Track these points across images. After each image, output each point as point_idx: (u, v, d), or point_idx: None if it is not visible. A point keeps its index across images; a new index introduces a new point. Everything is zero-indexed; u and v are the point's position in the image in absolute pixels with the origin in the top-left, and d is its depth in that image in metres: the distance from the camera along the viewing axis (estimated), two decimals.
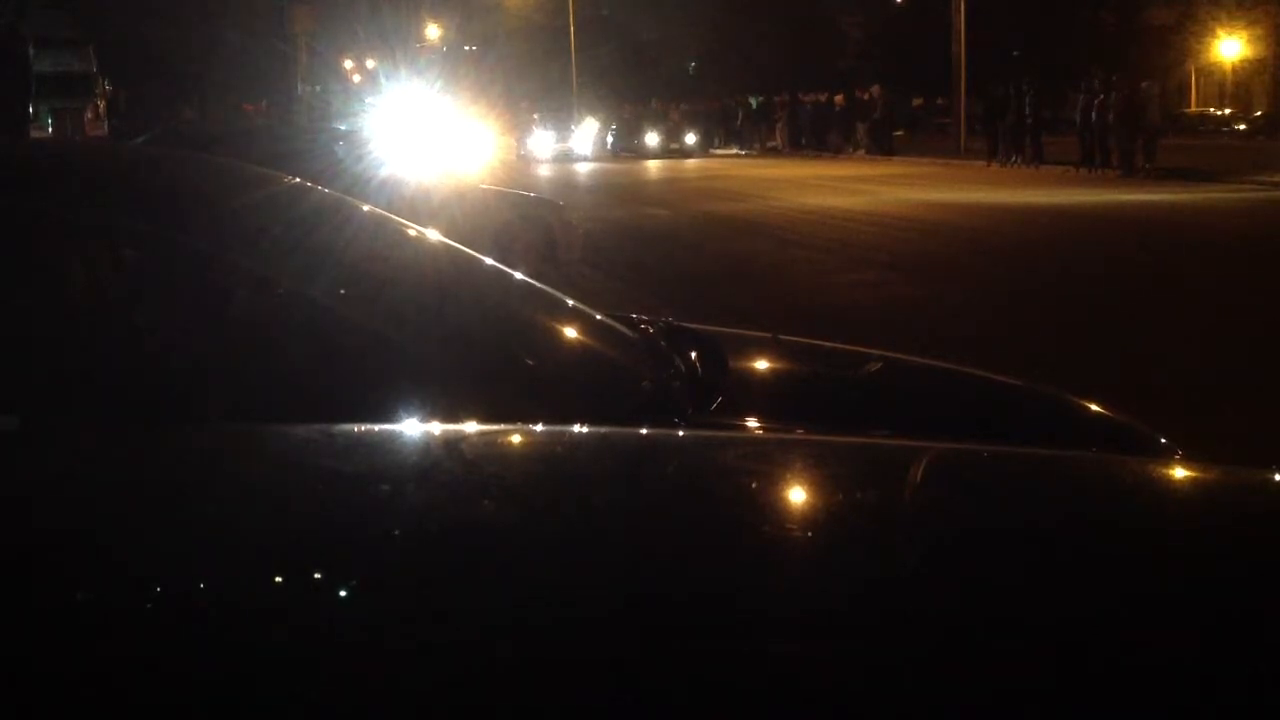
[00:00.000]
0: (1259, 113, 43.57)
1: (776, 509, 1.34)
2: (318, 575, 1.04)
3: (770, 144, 42.64)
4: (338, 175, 7.87)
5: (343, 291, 2.41)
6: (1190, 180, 23.08)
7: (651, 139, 42.24)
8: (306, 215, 2.74)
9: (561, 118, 42.85)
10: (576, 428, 1.78)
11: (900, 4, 50.60)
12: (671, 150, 41.51)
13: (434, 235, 3.16)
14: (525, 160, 37.19)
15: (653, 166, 35.85)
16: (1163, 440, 2.87)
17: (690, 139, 42.93)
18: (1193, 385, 7.09)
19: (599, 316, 2.99)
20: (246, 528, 1.13)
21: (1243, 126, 42.51)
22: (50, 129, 24.93)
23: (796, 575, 1.07)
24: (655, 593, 1.00)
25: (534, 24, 56.08)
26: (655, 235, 16.72)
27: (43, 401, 2.21)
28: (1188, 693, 0.86)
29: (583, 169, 34.94)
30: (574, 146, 40.21)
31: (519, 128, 41.92)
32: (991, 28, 37.84)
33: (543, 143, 40.36)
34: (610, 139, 43.10)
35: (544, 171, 32.89)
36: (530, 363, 2.61)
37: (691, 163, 37.46)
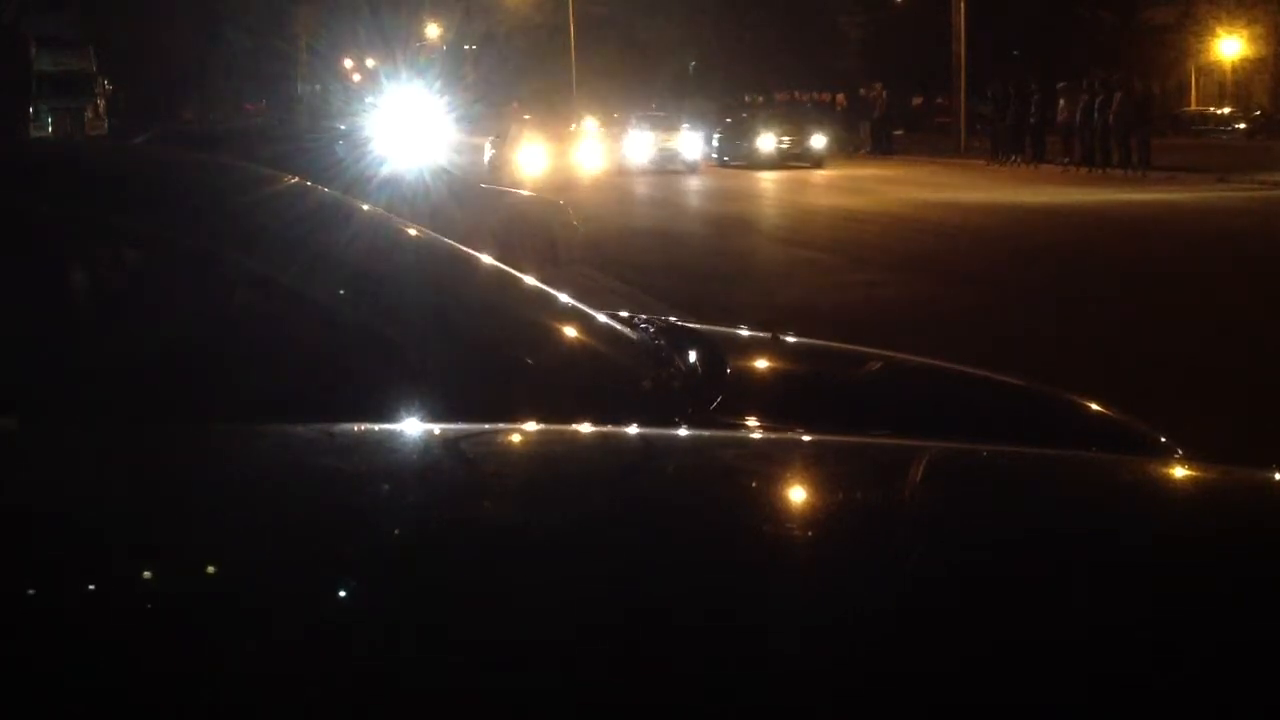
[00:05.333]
0: (1258, 112, 43.57)
1: (776, 509, 1.34)
2: (318, 575, 1.04)
3: None
4: (339, 175, 7.87)
5: (342, 291, 2.41)
6: (1191, 180, 23.08)
7: (766, 143, 32.17)
8: (306, 215, 2.74)
9: (660, 118, 34.25)
10: (576, 428, 1.78)
11: (900, 4, 50.59)
12: (792, 157, 31.59)
13: (434, 235, 3.16)
14: (622, 170, 29.78)
15: (767, 180, 27.86)
16: (1163, 440, 2.87)
17: (819, 142, 32.47)
18: (1195, 384, 7.10)
19: (599, 316, 2.99)
20: (246, 528, 1.13)
21: (1242, 126, 42.50)
22: (50, 129, 24.95)
23: (796, 575, 1.07)
24: (655, 592, 1.00)
25: (533, 23, 56.08)
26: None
27: (43, 401, 2.21)
28: (1188, 693, 0.86)
29: (694, 184, 27.75)
30: (681, 151, 31.56)
31: (613, 132, 33.56)
32: (991, 28, 37.86)
33: (642, 147, 31.88)
34: (714, 145, 33.98)
35: (644, 189, 25.80)
36: (530, 362, 2.61)
37: (798, 175, 29.22)
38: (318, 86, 42.40)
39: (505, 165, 26.98)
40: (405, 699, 0.83)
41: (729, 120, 35.71)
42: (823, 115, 37.52)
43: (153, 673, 0.86)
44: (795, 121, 33.85)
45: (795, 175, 28.79)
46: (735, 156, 32.38)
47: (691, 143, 32.18)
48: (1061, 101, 28.29)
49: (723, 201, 23.04)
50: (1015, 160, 28.82)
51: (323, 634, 0.92)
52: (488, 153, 29.41)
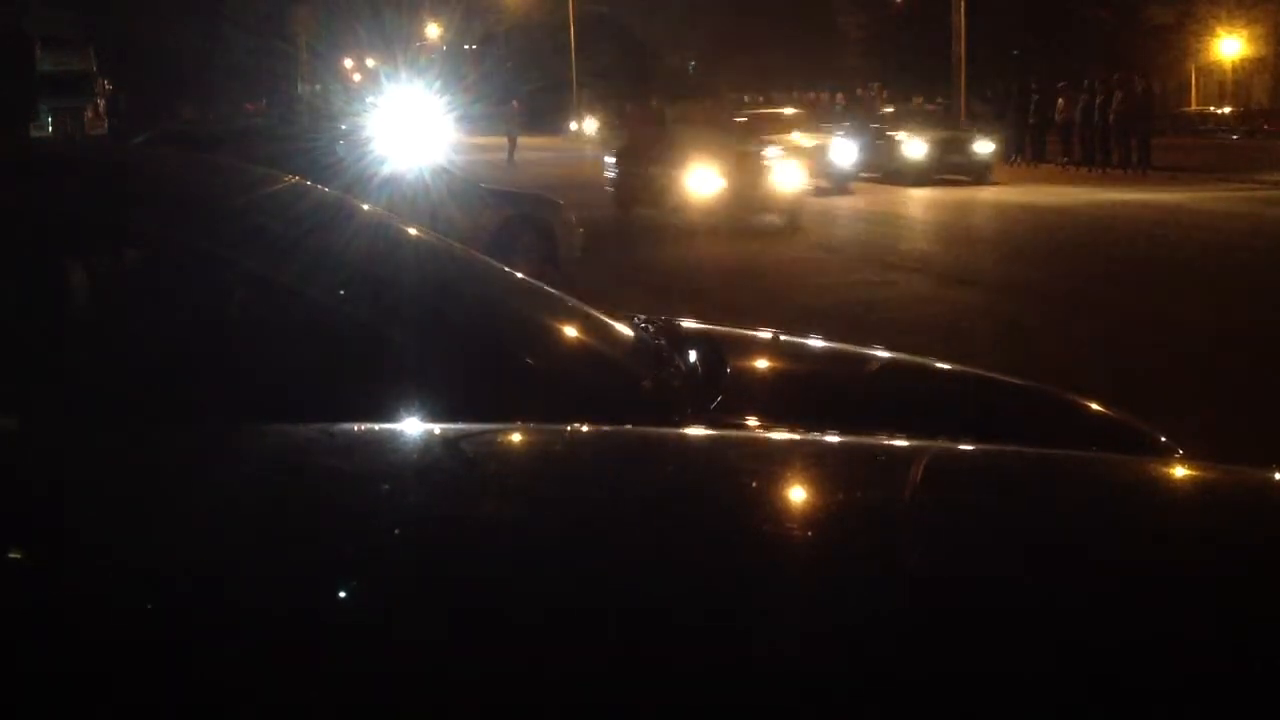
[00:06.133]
0: (1244, 106, 43.58)
1: (776, 509, 1.34)
2: (318, 575, 1.04)
3: None
4: (339, 175, 7.88)
5: (342, 291, 2.41)
6: (1191, 179, 23.09)
7: (915, 150, 24.53)
8: (306, 215, 2.74)
9: (777, 118, 25.39)
10: (576, 427, 1.78)
11: (900, 4, 50.60)
12: (950, 168, 24.30)
13: (434, 235, 3.16)
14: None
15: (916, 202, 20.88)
16: (1163, 440, 2.87)
17: (984, 149, 24.99)
18: (1195, 384, 7.10)
19: (599, 316, 2.99)
20: (247, 528, 1.13)
21: (1243, 126, 42.53)
22: (50, 129, 24.97)
23: (796, 575, 1.07)
24: (654, 592, 1.00)
25: (533, 23, 56.09)
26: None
27: (43, 401, 2.21)
28: (1188, 693, 0.86)
29: (844, 206, 20.02)
30: (834, 159, 23.24)
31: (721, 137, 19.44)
32: (992, 28, 37.89)
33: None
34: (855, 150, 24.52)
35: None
36: (530, 362, 2.61)
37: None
38: (318, 86, 42.36)
39: (661, 192, 17.12)
40: (405, 698, 0.83)
41: (847, 123, 27.37)
42: (984, 114, 29.67)
43: (152, 672, 0.86)
44: (946, 124, 26.99)
45: (976, 195, 21.74)
46: (869, 168, 24.63)
47: (844, 151, 23.77)
48: (1060, 101, 28.25)
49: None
50: (1015, 160, 28.83)
51: (323, 634, 0.92)
52: (610, 170, 19.42)
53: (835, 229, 17.27)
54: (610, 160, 19.78)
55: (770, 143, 19.47)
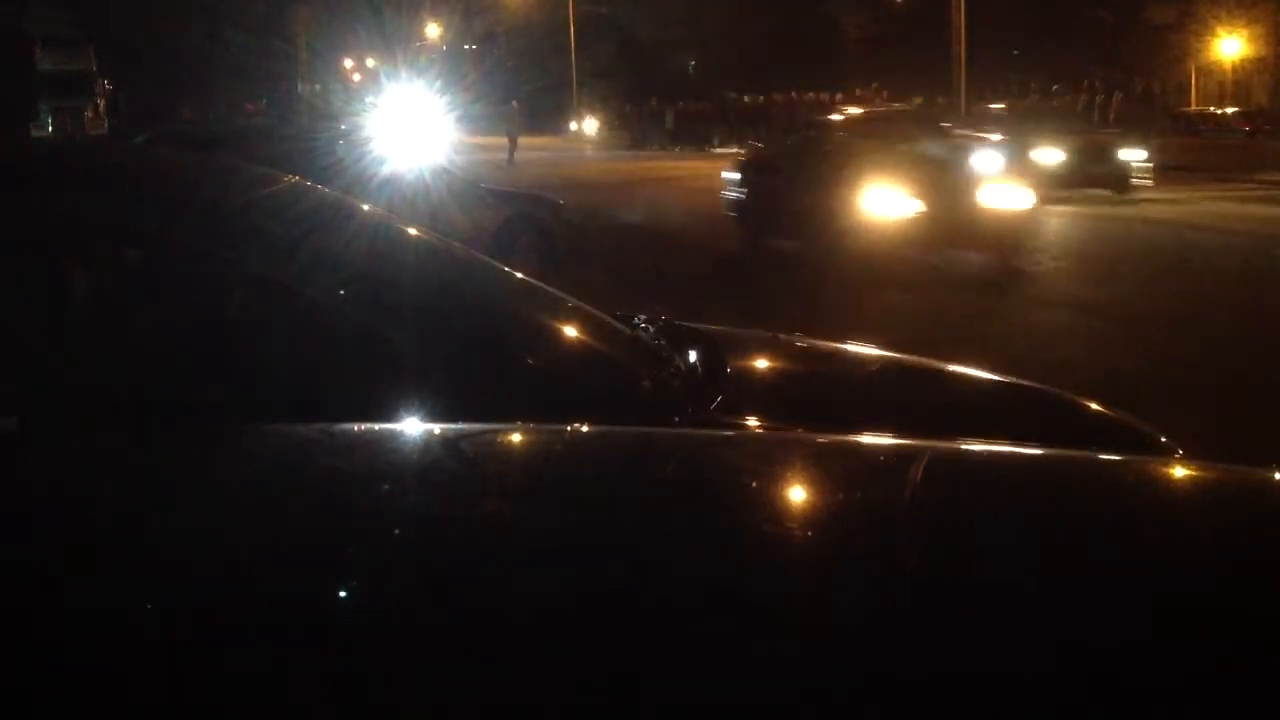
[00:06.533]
0: (1240, 108, 43.59)
1: (776, 509, 1.34)
2: (318, 575, 1.04)
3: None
4: (339, 175, 7.88)
5: (342, 291, 2.41)
6: (1191, 179, 23.07)
7: (1048, 158, 19.40)
8: (306, 215, 2.74)
9: (899, 120, 16.00)
10: (576, 427, 1.78)
11: (900, 4, 50.61)
12: (1087, 179, 19.54)
13: (434, 235, 3.16)
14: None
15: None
16: (1163, 440, 2.87)
17: (1133, 156, 20.64)
18: (1197, 383, 7.09)
19: (599, 316, 2.99)
20: (247, 528, 1.13)
21: (1245, 127, 42.52)
22: (50, 129, 24.98)
23: (796, 575, 1.07)
24: (655, 592, 1.00)
25: (533, 23, 56.07)
26: None
27: (43, 401, 2.21)
28: (1187, 692, 0.86)
29: None
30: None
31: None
32: (991, 28, 37.89)
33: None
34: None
35: None
36: (530, 361, 2.61)
37: None
38: (318, 86, 42.40)
39: (813, 217, 11.77)
40: (405, 699, 0.83)
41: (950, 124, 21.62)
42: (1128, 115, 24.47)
43: (153, 673, 0.86)
44: (1077, 125, 22.29)
45: (1149, 213, 17.71)
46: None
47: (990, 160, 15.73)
48: (1054, 104, 28.29)
49: None
50: None
51: (323, 634, 0.92)
52: (733, 189, 14.24)
53: (1067, 274, 11.98)
54: (733, 176, 14.35)
55: (971, 148, 13.64)
